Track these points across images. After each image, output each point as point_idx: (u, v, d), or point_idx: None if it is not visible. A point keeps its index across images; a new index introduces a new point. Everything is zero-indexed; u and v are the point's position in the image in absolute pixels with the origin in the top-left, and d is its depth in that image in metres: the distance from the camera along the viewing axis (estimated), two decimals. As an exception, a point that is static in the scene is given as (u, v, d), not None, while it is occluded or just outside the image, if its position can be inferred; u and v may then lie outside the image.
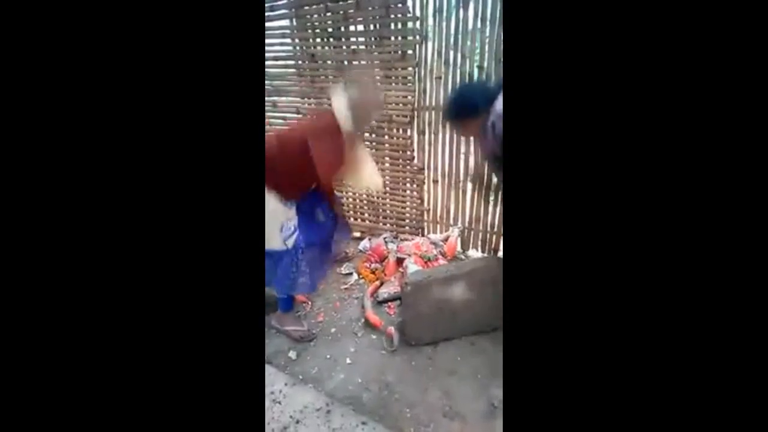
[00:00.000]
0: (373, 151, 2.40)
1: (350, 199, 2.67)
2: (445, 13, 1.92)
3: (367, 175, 1.61)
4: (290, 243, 1.54)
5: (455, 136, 2.14)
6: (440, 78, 2.04)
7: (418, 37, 2.00)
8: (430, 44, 2.02)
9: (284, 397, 1.40)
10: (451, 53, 1.98)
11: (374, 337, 1.74)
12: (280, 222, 1.51)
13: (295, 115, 2.57)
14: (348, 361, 1.62)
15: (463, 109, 1.37)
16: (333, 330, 1.81)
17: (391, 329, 1.67)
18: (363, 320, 1.83)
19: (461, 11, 1.87)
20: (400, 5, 1.95)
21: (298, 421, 1.30)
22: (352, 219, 2.68)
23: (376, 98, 1.57)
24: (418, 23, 1.98)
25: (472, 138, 1.57)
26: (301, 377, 1.54)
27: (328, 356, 1.65)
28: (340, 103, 1.45)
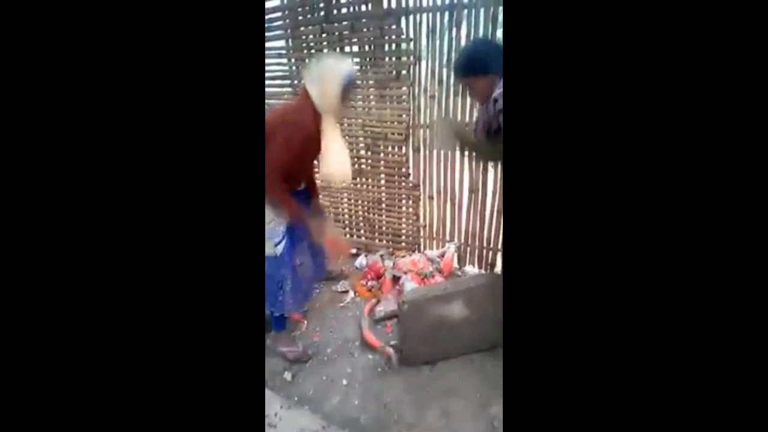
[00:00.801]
0: (369, 168, 2.42)
1: (346, 215, 2.67)
2: (438, 34, 1.97)
3: (333, 163, 1.45)
4: (279, 250, 1.48)
5: (449, 153, 2.15)
6: (434, 97, 2.07)
7: (411, 57, 2.04)
8: (423, 64, 2.06)
9: (280, 420, 1.36)
10: (445, 72, 2.01)
11: (371, 357, 1.71)
12: (268, 226, 1.44)
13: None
14: (345, 382, 1.58)
15: (475, 64, 1.29)
16: (329, 350, 1.77)
17: (389, 350, 1.64)
18: (360, 340, 1.80)
19: (454, 31, 1.92)
20: (394, 27, 2.00)
21: (293, 446, 1.26)
22: (347, 236, 2.67)
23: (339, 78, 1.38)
24: (411, 44, 2.02)
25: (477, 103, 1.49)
26: (296, 399, 1.50)
27: (324, 377, 1.61)
28: (312, 80, 1.37)
